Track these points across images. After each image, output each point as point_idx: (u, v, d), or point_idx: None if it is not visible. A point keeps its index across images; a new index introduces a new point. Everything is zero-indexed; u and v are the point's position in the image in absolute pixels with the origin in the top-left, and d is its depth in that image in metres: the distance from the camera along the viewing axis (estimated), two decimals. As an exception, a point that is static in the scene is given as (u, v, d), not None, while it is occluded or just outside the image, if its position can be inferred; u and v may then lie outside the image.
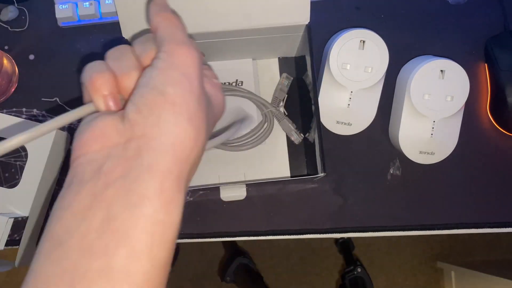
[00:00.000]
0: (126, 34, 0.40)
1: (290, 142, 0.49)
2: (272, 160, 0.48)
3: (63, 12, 0.49)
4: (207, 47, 0.44)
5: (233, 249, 1.18)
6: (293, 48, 0.47)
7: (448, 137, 0.46)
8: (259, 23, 0.39)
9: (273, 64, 0.50)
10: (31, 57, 0.51)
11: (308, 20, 0.40)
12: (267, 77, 0.50)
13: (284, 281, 1.19)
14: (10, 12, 0.51)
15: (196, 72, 0.22)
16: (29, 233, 0.46)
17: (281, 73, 0.50)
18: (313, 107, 0.42)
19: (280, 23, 0.39)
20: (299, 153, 0.48)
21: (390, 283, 1.21)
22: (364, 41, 0.45)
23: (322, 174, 0.40)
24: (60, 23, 0.51)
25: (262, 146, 0.48)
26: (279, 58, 0.50)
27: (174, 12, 0.26)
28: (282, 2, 0.38)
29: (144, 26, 0.40)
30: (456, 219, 0.49)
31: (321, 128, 0.41)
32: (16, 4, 0.51)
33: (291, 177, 0.47)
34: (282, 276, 1.19)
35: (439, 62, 0.45)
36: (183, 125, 0.20)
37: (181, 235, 0.48)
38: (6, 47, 0.51)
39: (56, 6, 0.49)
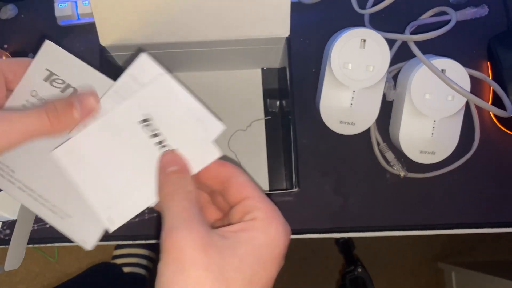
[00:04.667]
0: (104, 41, 0.40)
1: (270, 155, 0.48)
2: (251, 173, 0.47)
3: (62, 10, 0.49)
4: (187, 57, 0.44)
5: (233, 249, 1.18)
6: (276, 59, 0.47)
7: (448, 137, 0.46)
8: (239, 34, 0.40)
9: (256, 75, 0.50)
10: (31, 55, 0.51)
11: (288, 33, 0.40)
12: (250, 88, 0.50)
13: (284, 281, 1.19)
14: (10, 11, 0.51)
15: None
16: (17, 236, 0.45)
17: (263, 85, 0.49)
18: (291, 127, 0.42)
19: (260, 35, 0.40)
20: (279, 166, 0.48)
21: (390, 284, 1.21)
22: (365, 40, 0.45)
23: (296, 190, 0.41)
24: (59, 22, 0.51)
25: (242, 159, 0.47)
26: (262, 69, 0.50)
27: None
28: (262, 15, 0.39)
29: (121, 33, 0.40)
30: (456, 219, 0.49)
31: (297, 143, 0.42)
32: (15, 3, 0.51)
33: (270, 190, 0.47)
34: (282, 276, 1.19)
35: (439, 61, 0.45)
36: None
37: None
38: (5, 46, 0.51)
39: (55, 4, 0.49)
